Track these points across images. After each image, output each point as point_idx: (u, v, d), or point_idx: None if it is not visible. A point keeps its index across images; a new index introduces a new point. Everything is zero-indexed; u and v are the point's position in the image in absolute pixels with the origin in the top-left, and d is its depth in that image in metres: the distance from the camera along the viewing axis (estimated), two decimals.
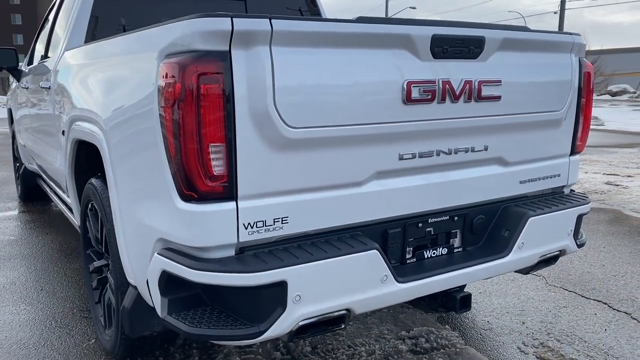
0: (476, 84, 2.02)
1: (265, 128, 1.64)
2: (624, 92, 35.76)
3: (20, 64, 4.92)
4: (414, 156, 1.97)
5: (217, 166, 1.61)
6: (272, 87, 1.62)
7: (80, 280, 3.45)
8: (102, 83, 2.28)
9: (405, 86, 1.86)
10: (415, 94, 1.89)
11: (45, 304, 3.12)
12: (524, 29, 2.22)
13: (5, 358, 2.52)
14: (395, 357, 2.50)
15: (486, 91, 2.06)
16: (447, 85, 1.95)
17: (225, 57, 1.57)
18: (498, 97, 2.10)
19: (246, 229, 1.68)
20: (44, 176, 4.27)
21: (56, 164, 3.28)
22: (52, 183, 3.93)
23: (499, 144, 2.20)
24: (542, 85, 2.28)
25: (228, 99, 1.58)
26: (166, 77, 1.62)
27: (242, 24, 1.57)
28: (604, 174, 7.51)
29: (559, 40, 2.30)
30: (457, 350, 2.56)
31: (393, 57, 1.86)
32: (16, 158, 5.72)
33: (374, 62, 1.83)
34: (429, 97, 1.92)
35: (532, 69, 2.23)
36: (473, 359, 2.49)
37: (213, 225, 1.64)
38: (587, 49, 2.73)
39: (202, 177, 1.61)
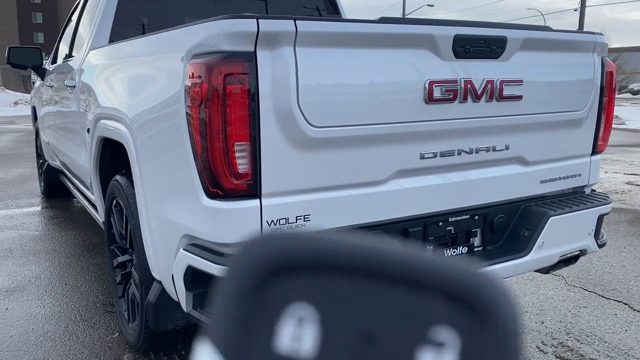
0: (498, 83, 2.03)
1: (289, 127, 1.67)
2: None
3: (44, 62, 5.03)
4: (435, 155, 1.98)
5: (242, 164, 1.65)
6: (295, 86, 1.65)
7: (103, 275, 3.53)
8: (128, 82, 2.33)
9: (427, 86, 1.88)
10: (437, 93, 1.90)
11: (70, 298, 3.20)
12: (546, 28, 2.22)
13: (33, 350, 2.59)
14: None
15: (508, 91, 2.07)
16: (468, 85, 1.96)
17: (250, 58, 1.61)
18: (519, 97, 2.11)
19: (269, 225, 1.72)
20: (67, 173, 4.36)
21: (80, 160, 3.35)
22: (75, 180, 4.01)
23: (520, 144, 2.20)
24: (564, 84, 2.27)
25: (253, 98, 1.62)
26: (193, 77, 1.66)
27: (268, 25, 1.60)
28: (624, 173, 7.42)
29: (582, 39, 2.30)
30: None
31: (415, 57, 1.88)
32: (39, 155, 5.84)
33: (396, 62, 1.85)
34: (451, 96, 1.94)
35: (554, 68, 2.23)
36: None
37: (237, 222, 1.67)
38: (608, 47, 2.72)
39: (227, 175, 1.65)
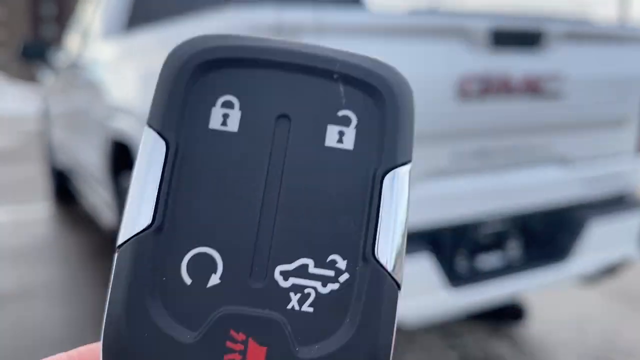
0: (535, 77, 1.88)
1: None
2: None
3: (55, 56, 4.93)
4: (469, 156, 1.83)
5: None
6: None
7: None
8: (139, 77, 2.20)
9: (460, 81, 1.73)
10: (471, 88, 1.75)
11: (80, 303, 3.09)
12: (589, 21, 2.06)
13: (43, 355, 2.48)
14: None
15: (546, 86, 1.90)
16: (504, 80, 1.81)
17: None
18: (559, 94, 1.94)
19: None
20: (76, 173, 4.25)
21: (92, 160, 3.23)
22: (85, 180, 3.90)
23: (560, 143, 2.04)
24: (610, 81, 2.10)
25: None
26: None
27: (288, 15, 1.46)
28: None
29: (631, 33, 2.12)
30: None
31: (450, 50, 1.75)
32: (49, 155, 5.74)
33: (429, 55, 1.73)
34: (486, 92, 1.78)
35: (599, 63, 2.06)
36: None
37: None
38: None
39: None
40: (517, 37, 1.84)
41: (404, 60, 1.67)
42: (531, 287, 2.02)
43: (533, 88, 1.88)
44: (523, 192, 2.02)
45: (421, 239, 1.81)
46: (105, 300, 0.27)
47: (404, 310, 1.69)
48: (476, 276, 1.91)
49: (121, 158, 2.61)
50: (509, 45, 1.82)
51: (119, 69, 2.54)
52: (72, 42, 4.49)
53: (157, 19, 3.02)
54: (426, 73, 1.72)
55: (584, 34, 1.99)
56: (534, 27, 1.87)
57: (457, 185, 1.86)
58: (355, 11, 1.67)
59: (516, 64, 1.85)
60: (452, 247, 1.91)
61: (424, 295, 1.73)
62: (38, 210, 5.14)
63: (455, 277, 1.85)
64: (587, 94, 2.05)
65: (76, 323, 2.83)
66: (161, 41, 2.07)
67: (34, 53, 4.57)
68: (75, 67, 3.76)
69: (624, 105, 2.16)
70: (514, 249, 2.08)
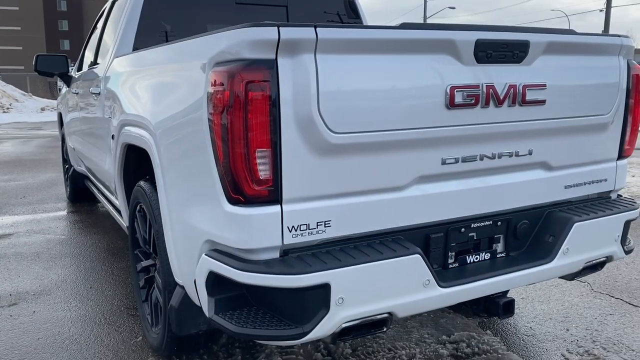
0: (520, 88, 2.01)
1: (309, 134, 1.68)
2: None
3: (70, 69, 5.13)
4: (457, 161, 1.97)
5: (263, 170, 1.66)
6: (316, 93, 1.66)
7: (127, 279, 3.58)
8: (152, 90, 2.36)
9: (448, 91, 1.87)
10: (458, 98, 1.89)
11: (95, 302, 3.25)
12: (570, 32, 2.19)
13: (59, 352, 2.64)
14: None
15: (531, 95, 2.05)
16: (490, 90, 1.95)
17: (272, 65, 1.62)
18: (543, 101, 2.08)
19: (290, 231, 1.72)
20: (92, 178, 4.44)
21: (105, 166, 3.41)
22: (100, 185, 4.08)
23: (543, 148, 2.17)
24: (589, 88, 2.24)
25: (274, 105, 1.63)
26: (215, 84, 1.68)
27: (288, 32, 1.62)
28: None
29: (607, 42, 2.26)
30: (499, 356, 2.53)
31: (436, 62, 1.87)
32: (65, 160, 5.95)
33: (418, 67, 1.85)
34: (473, 101, 1.92)
35: (578, 72, 2.20)
36: None
37: (259, 228, 1.69)
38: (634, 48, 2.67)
39: (249, 181, 1.66)
40: (502, 49, 1.97)
41: (399, 72, 1.81)
42: (516, 285, 2.14)
43: (517, 97, 2.02)
44: (509, 195, 2.15)
45: (412, 239, 1.95)
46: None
47: (396, 306, 1.83)
48: (463, 275, 2.04)
49: (133, 164, 2.78)
50: (494, 56, 1.94)
51: (131, 81, 2.71)
52: (86, 56, 4.69)
53: (163, 37, 3.21)
54: (417, 84, 1.85)
55: (565, 44, 2.13)
56: (518, 39, 1.99)
57: (445, 188, 2.00)
58: (353, 27, 1.80)
59: (501, 74, 1.99)
60: (440, 246, 2.05)
61: (413, 293, 1.85)
62: (56, 211, 5.33)
63: (443, 276, 1.98)
64: (568, 101, 2.18)
65: (91, 321, 2.99)
66: (170, 56, 2.24)
67: (48, 66, 4.77)
68: (90, 79, 3.96)
69: (604, 110, 2.29)
70: (500, 249, 2.22)
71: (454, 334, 2.73)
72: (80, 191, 5.55)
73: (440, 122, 1.89)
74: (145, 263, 2.68)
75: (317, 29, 1.65)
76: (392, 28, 1.81)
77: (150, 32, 3.45)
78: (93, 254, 4.17)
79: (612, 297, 3.24)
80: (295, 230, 1.74)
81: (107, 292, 3.39)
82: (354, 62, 1.74)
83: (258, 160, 1.65)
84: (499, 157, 2.07)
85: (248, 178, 1.66)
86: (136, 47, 3.31)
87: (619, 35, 2.32)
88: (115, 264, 3.92)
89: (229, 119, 1.64)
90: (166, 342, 2.39)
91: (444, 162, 1.95)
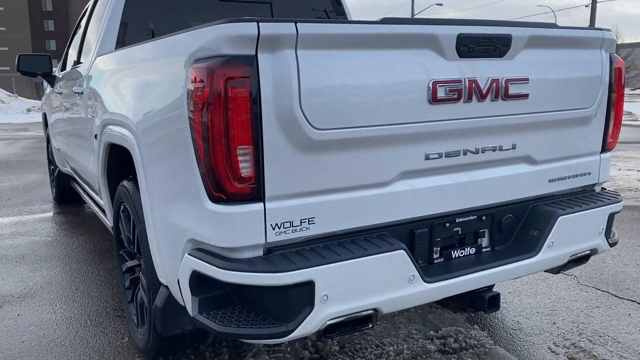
0: (503, 82, 2.01)
1: (291, 130, 1.67)
2: None
3: (54, 69, 5.07)
4: (440, 156, 1.97)
5: (245, 168, 1.64)
6: (297, 89, 1.65)
7: (113, 280, 3.55)
8: (133, 88, 2.34)
9: (430, 86, 1.86)
10: (441, 93, 1.89)
11: (80, 303, 3.22)
12: (552, 25, 2.19)
13: (43, 355, 2.61)
14: (424, 357, 2.50)
15: (513, 89, 2.05)
16: (473, 84, 1.94)
17: (252, 61, 1.60)
18: (526, 95, 2.08)
19: (274, 229, 1.71)
20: (77, 179, 4.40)
21: (89, 166, 3.37)
22: (85, 185, 4.04)
23: (527, 143, 2.18)
24: (571, 82, 2.24)
25: (255, 102, 1.61)
26: (195, 81, 1.66)
27: (268, 28, 1.60)
28: (638, 170, 7.33)
29: (589, 36, 2.26)
30: (487, 350, 2.54)
31: (418, 57, 1.86)
32: (51, 161, 5.89)
33: (400, 62, 1.84)
34: (455, 96, 1.92)
35: (561, 66, 2.20)
36: (502, 359, 2.47)
37: (241, 226, 1.67)
38: (619, 42, 2.67)
39: (230, 179, 1.64)
40: (484, 43, 1.96)
41: (381, 67, 1.80)
42: (501, 279, 2.14)
43: (500, 91, 2.01)
44: (493, 189, 2.15)
45: (396, 234, 1.95)
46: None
47: (381, 302, 1.82)
48: (448, 270, 2.04)
49: (117, 164, 2.75)
50: (476, 51, 1.94)
51: (113, 80, 2.68)
52: (70, 55, 4.63)
53: (146, 35, 3.18)
54: (400, 79, 1.84)
55: (547, 38, 2.14)
56: (500, 33, 1.99)
57: (429, 184, 1.99)
58: (333, 22, 1.78)
59: (483, 69, 1.98)
60: (425, 242, 2.05)
61: (398, 289, 1.85)
62: (41, 212, 5.27)
63: (428, 272, 1.98)
64: (551, 95, 2.19)
65: (77, 323, 2.96)
66: (151, 54, 2.21)
67: (31, 66, 4.71)
68: (73, 78, 3.91)
69: (587, 104, 2.30)
70: (485, 243, 2.22)
71: (442, 329, 2.73)
72: (67, 192, 5.49)
73: (423, 117, 1.88)
74: (130, 263, 2.65)
75: (298, 24, 1.64)
76: (373, 23, 1.80)
77: (134, 30, 3.41)
78: (79, 255, 4.13)
79: (599, 289, 3.26)
80: (279, 228, 1.72)
81: (93, 294, 3.36)
82: (335, 57, 1.72)
83: (239, 158, 1.63)
84: (483, 151, 2.07)
85: (229, 176, 1.64)
86: (119, 45, 3.28)
87: (600, 29, 2.33)
88: (101, 265, 3.88)
89: (209, 116, 1.62)
90: (152, 343, 2.37)
91: (427, 157, 1.94)
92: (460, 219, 2.11)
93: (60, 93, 4.46)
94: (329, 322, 1.73)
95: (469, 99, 1.95)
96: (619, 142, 2.60)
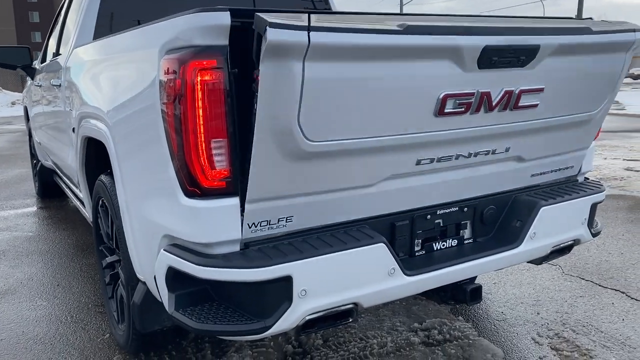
0: (516, 93, 1.90)
1: (284, 141, 1.57)
2: None
3: (35, 62, 4.98)
4: (432, 161, 1.90)
5: (220, 162, 1.60)
6: (298, 104, 1.53)
7: (96, 276, 3.50)
8: (107, 80, 2.28)
9: (440, 99, 1.74)
10: (449, 106, 1.77)
11: (62, 299, 3.17)
12: (586, 31, 1.98)
13: (22, 353, 2.57)
14: (408, 349, 2.48)
15: (525, 100, 1.94)
16: (485, 97, 1.83)
17: (224, 52, 1.56)
18: (535, 105, 1.99)
19: (249, 228, 1.68)
20: (59, 173, 4.33)
21: (68, 160, 3.31)
22: (66, 179, 3.97)
23: (522, 145, 2.11)
24: (587, 87, 2.12)
25: (229, 93, 1.57)
26: (167, 72, 1.61)
27: (275, 34, 1.40)
28: (624, 159, 7.36)
29: (621, 40, 2.08)
30: (470, 341, 2.53)
31: (434, 68, 1.70)
32: (33, 155, 5.80)
33: (413, 74, 1.68)
34: (463, 109, 1.82)
35: (581, 71, 2.05)
36: (486, 351, 2.46)
37: (217, 221, 1.63)
38: None
39: (204, 173, 1.60)
40: (509, 55, 1.78)
41: (394, 79, 1.64)
42: (483, 271, 2.12)
43: (510, 102, 1.90)
44: (476, 184, 2.12)
45: (376, 227, 1.92)
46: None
47: (361, 297, 1.80)
48: (430, 262, 2.02)
49: (95, 158, 2.70)
50: (497, 62, 1.77)
51: (89, 71, 2.62)
52: (50, 47, 4.55)
53: (123, 25, 3.11)
54: (410, 91, 1.69)
55: (578, 45, 1.93)
56: (529, 43, 1.80)
57: (414, 183, 1.95)
58: (351, 32, 1.51)
59: (499, 80, 1.84)
60: (406, 234, 2.02)
61: (379, 282, 1.82)
62: (24, 207, 5.19)
63: (409, 264, 1.95)
64: (563, 102, 2.08)
65: (57, 320, 2.91)
66: (124, 45, 2.16)
67: (9, 58, 4.62)
68: (52, 71, 3.83)
69: (595, 107, 2.22)
70: (467, 235, 2.20)
71: (426, 321, 2.72)
72: (49, 186, 5.41)
73: (424, 128, 1.79)
74: (110, 259, 2.61)
75: (311, 32, 1.44)
76: (395, 33, 1.57)
77: (112, 21, 3.34)
78: (61, 250, 4.07)
79: (583, 279, 3.27)
80: (255, 227, 1.69)
81: (74, 289, 3.31)
82: (345, 69, 1.56)
83: (214, 151, 1.59)
84: (475, 155, 2.00)
85: (203, 169, 1.60)
86: (98, 36, 3.21)
87: (634, 30, 2.12)
88: (83, 260, 3.83)
89: (182, 108, 1.57)
90: (132, 340, 2.33)
91: (418, 163, 1.87)
92: (442, 211, 2.09)
93: (40, 86, 4.38)
94: (308, 318, 1.70)
95: (477, 111, 1.85)
96: (605, 131, 2.59)
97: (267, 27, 1.38)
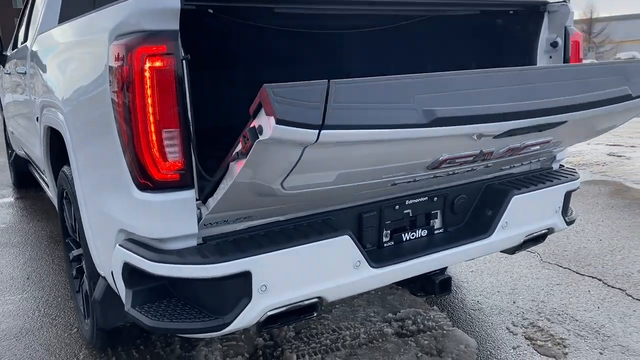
0: (522, 147, 1.82)
1: (261, 189, 1.50)
2: (632, 59, 35.08)
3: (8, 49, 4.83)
4: (408, 182, 1.82)
5: (172, 153, 1.53)
6: (288, 173, 1.42)
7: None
8: (62, 68, 2.19)
9: (440, 160, 1.65)
10: (446, 164, 1.69)
11: (31, 293, 3.09)
12: (623, 99, 1.76)
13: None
14: (380, 340, 2.44)
15: (527, 150, 1.88)
16: (486, 155, 1.74)
17: (175, 36, 1.48)
18: (535, 145, 1.89)
19: (206, 226, 1.62)
20: (32, 163, 4.22)
21: (36, 150, 3.21)
22: (40, 170, 3.87)
23: (505, 161, 2.01)
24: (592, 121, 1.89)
25: (180, 80, 1.49)
26: (116, 59, 1.53)
27: (279, 132, 1.18)
28: (606, 144, 7.36)
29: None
30: (444, 332, 2.49)
31: (446, 143, 1.56)
32: (8, 145, 5.67)
33: (420, 149, 1.55)
34: (459, 163, 1.73)
35: (589, 121, 1.86)
36: (459, 341, 2.43)
37: (171, 216, 1.56)
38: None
39: (156, 165, 1.53)
40: (530, 130, 1.66)
41: (396, 153, 1.51)
42: (454, 261, 2.07)
43: (511, 152, 1.82)
44: (449, 180, 2.05)
45: (342, 218, 1.86)
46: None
47: (325, 290, 1.74)
48: (398, 254, 1.96)
49: (58, 148, 2.61)
50: (515, 134, 1.63)
51: (47, 58, 2.52)
52: (20, 33, 4.41)
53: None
54: (410, 156, 1.58)
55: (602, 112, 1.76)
56: (557, 122, 1.67)
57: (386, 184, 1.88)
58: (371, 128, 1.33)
59: (509, 142, 1.72)
60: (374, 225, 1.96)
61: (343, 275, 1.76)
62: (0, 198, 5.10)
63: (377, 256, 1.90)
64: (562, 140, 2.00)
65: (24, 314, 2.84)
66: (78, 30, 2.06)
67: None
68: (18, 58, 3.71)
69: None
70: (437, 225, 2.15)
71: (400, 311, 2.68)
72: (25, 176, 5.29)
73: (412, 175, 1.73)
74: (76, 252, 2.53)
75: (322, 132, 1.22)
76: (423, 126, 1.37)
77: (78, 5, 3.22)
78: (34, 242, 3.98)
79: (561, 266, 3.24)
80: (212, 225, 1.63)
81: (44, 283, 3.23)
82: (346, 150, 1.39)
83: (165, 142, 1.52)
84: (454, 173, 1.92)
85: (155, 161, 1.53)
86: (62, 21, 3.09)
87: None
88: (56, 252, 3.74)
89: (131, 97, 1.49)
90: (97, 335, 2.27)
91: (393, 184, 1.79)
92: (411, 201, 2.04)
93: (9, 73, 4.25)
94: (269, 313, 1.65)
95: (473, 162, 1.77)
96: None
97: (274, 125, 1.15)
